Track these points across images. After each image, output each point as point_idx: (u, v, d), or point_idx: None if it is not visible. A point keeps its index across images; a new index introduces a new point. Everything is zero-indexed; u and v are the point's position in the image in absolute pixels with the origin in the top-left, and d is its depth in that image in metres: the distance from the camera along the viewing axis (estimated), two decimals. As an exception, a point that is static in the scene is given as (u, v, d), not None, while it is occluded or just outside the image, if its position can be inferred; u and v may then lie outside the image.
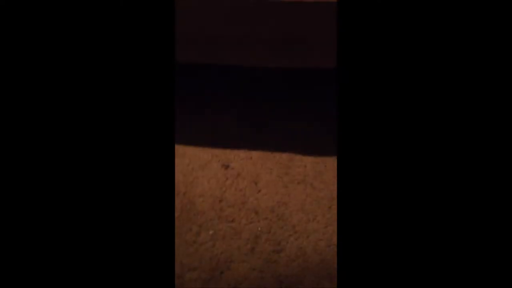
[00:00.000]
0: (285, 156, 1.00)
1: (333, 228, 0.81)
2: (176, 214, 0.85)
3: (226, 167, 0.97)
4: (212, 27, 0.89)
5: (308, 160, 0.98)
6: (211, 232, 0.80)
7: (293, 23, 0.87)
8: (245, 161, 0.99)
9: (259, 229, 0.80)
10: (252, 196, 0.88)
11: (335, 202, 0.86)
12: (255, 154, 1.01)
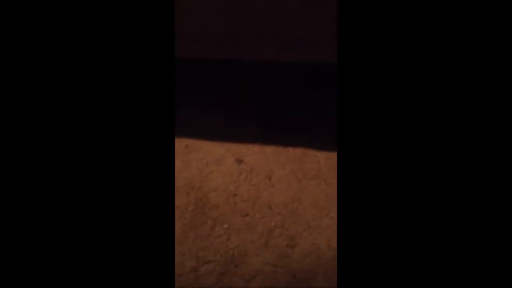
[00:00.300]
0: (298, 151, 1.00)
1: (346, 224, 0.82)
2: (191, 208, 0.87)
3: (240, 162, 0.98)
4: (227, 23, 0.90)
5: (322, 155, 0.98)
6: (225, 226, 0.81)
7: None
8: (258, 156, 1.00)
9: (273, 224, 0.81)
10: (266, 191, 0.89)
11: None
12: (268, 149, 1.01)
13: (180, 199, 0.89)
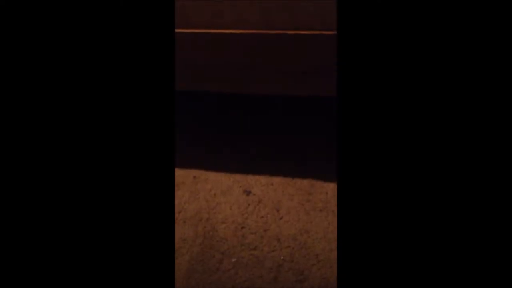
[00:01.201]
0: (306, 182, 1.00)
1: (356, 258, 0.80)
2: (199, 240, 0.86)
3: (248, 193, 0.98)
4: (231, 58, 0.92)
5: (329, 186, 0.98)
6: (233, 259, 0.81)
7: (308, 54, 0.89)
8: (266, 187, 1.00)
9: (282, 257, 0.80)
10: (274, 223, 0.89)
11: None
12: (276, 180, 1.01)
13: (187, 232, 0.89)
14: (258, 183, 1.01)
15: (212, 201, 0.96)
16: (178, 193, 1.00)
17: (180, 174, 1.05)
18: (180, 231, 0.89)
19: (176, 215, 0.94)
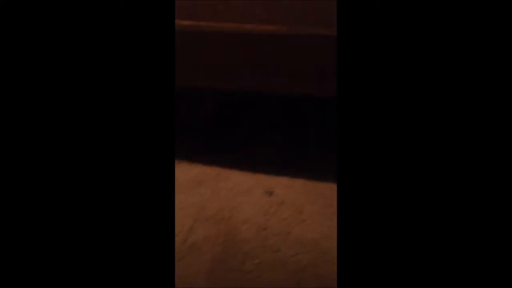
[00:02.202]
0: (328, 186, 0.99)
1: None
2: (221, 240, 0.85)
3: (270, 194, 0.97)
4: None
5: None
6: (256, 261, 0.80)
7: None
8: (288, 188, 0.99)
9: (305, 262, 0.79)
10: (296, 226, 0.88)
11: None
12: (298, 182, 1.00)
13: (209, 230, 0.88)
14: (280, 184, 1.00)
15: (233, 200, 0.96)
16: (199, 190, 0.99)
17: (201, 171, 1.04)
18: (202, 229, 0.88)
19: (198, 212, 0.93)
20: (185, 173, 1.04)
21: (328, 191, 0.97)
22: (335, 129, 0.57)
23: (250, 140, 1.17)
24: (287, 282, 0.76)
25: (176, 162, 1.06)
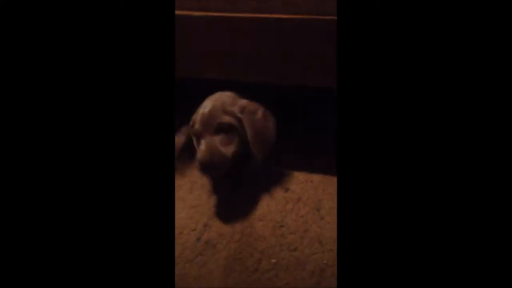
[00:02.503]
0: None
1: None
2: (237, 237, 0.82)
3: (286, 190, 0.94)
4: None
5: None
6: (273, 260, 0.77)
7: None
8: (305, 184, 0.95)
9: (324, 261, 0.76)
10: (314, 224, 0.84)
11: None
12: (316, 178, 0.97)
13: (224, 227, 0.85)
14: (297, 179, 0.97)
15: (247, 196, 0.93)
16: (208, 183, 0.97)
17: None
18: (217, 226, 0.86)
19: (213, 208, 0.90)
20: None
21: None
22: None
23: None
24: (306, 283, 0.73)
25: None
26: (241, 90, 0.96)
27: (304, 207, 0.89)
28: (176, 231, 0.86)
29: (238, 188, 0.94)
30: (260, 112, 0.92)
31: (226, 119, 0.87)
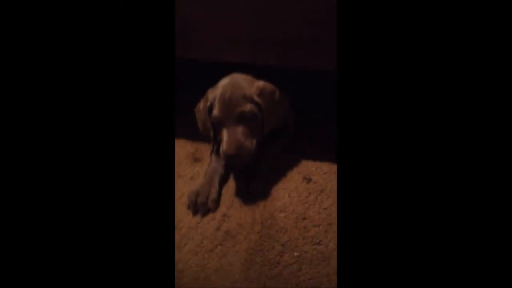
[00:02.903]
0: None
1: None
2: (257, 228, 0.79)
3: (308, 181, 0.90)
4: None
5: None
6: (296, 254, 0.74)
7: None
8: (328, 175, 0.91)
9: (350, 257, 0.73)
10: (339, 217, 0.81)
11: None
12: (339, 169, 0.93)
13: (245, 217, 0.82)
14: (320, 170, 0.93)
15: (267, 187, 0.89)
16: (230, 173, 0.93)
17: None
18: (237, 216, 0.83)
19: (232, 198, 0.87)
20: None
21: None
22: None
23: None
24: (330, 279, 0.69)
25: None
26: (244, 72, 0.93)
27: (327, 199, 0.85)
28: (194, 220, 0.83)
29: (258, 177, 0.91)
30: (277, 93, 0.90)
31: (248, 107, 0.84)
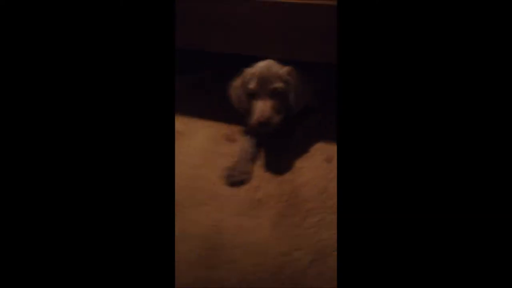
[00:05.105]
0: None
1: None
2: (284, 198, 0.95)
3: (329, 161, 1.05)
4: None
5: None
6: (316, 219, 0.89)
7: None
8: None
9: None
10: (353, 192, 0.95)
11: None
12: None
13: (273, 189, 0.98)
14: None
15: (293, 164, 1.04)
16: (263, 154, 1.09)
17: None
18: (267, 187, 0.98)
19: (263, 173, 1.03)
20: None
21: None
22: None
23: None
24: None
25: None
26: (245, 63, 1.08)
27: (345, 177, 0.99)
28: (234, 190, 0.99)
29: (289, 151, 1.06)
30: (302, 77, 1.06)
31: (279, 85, 1.02)
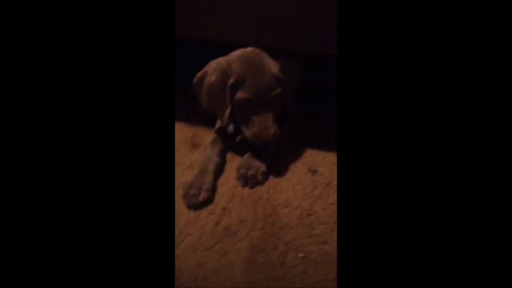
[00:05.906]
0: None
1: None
2: (260, 225, 0.75)
3: (314, 172, 0.85)
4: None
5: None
6: (301, 254, 0.69)
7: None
8: (335, 167, 0.86)
9: (359, 259, 0.69)
10: (346, 214, 0.76)
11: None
12: (346, 160, 0.88)
13: (246, 212, 0.77)
14: (326, 161, 0.87)
15: (271, 179, 0.84)
16: (232, 165, 0.88)
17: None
18: (238, 211, 0.77)
19: (232, 190, 0.82)
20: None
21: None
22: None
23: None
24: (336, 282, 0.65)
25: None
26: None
27: (334, 193, 0.80)
28: (193, 214, 0.78)
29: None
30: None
31: (278, 91, 0.84)
